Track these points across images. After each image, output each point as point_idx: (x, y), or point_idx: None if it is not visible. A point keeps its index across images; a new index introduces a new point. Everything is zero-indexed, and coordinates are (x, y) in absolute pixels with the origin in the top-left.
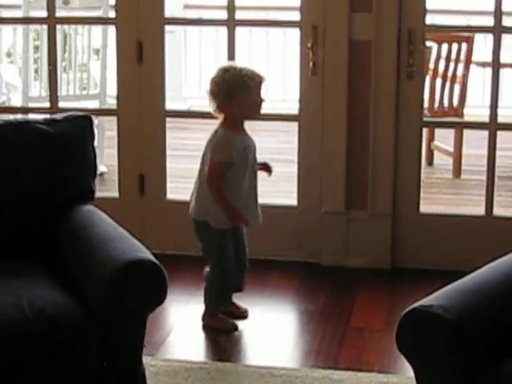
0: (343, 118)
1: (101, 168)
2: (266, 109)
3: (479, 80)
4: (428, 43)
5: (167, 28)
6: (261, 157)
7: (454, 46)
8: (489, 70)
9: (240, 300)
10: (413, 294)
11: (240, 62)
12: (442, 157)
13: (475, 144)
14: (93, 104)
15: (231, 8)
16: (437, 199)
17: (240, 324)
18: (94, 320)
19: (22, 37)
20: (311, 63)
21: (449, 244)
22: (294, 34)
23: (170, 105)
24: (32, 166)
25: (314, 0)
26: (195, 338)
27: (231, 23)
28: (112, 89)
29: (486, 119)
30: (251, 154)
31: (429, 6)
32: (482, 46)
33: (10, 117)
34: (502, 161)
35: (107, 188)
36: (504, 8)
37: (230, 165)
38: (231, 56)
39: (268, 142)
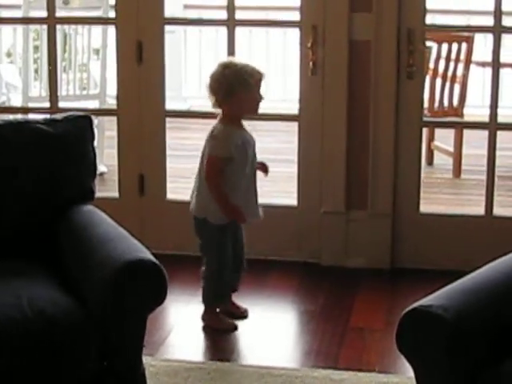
0: (343, 117)
1: (101, 168)
2: (266, 109)
3: (479, 80)
4: (428, 43)
5: (167, 28)
6: (261, 157)
7: (454, 46)
8: (489, 70)
9: (240, 300)
10: (412, 293)
11: (240, 58)
12: (441, 157)
13: (475, 144)
14: (93, 104)
15: (231, 8)
16: (437, 199)
17: (240, 324)
18: (94, 320)
19: (22, 37)
20: (311, 63)
21: (449, 244)
22: (294, 34)
23: (169, 105)
24: (32, 166)
25: (313, 0)
26: (195, 338)
27: (231, 23)
28: (112, 89)
29: (486, 119)
30: (250, 150)
31: (429, 5)
32: (482, 45)
33: (10, 117)
34: (501, 161)
35: (107, 188)
36: (504, 8)
37: (228, 160)
38: (231, 56)
39: (268, 142)
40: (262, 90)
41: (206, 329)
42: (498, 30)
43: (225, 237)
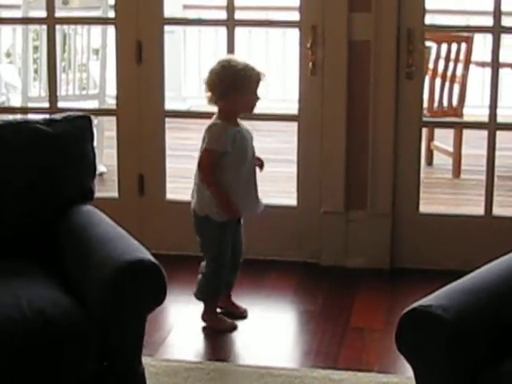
0: (343, 118)
1: (100, 168)
2: (265, 109)
3: (478, 80)
4: (427, 43)
5: (167, 28)
6: (260, 157)
7: (454, 46)
8: (488, 70)
9: (239, 300)
10: (412, 293)
11: (241, 56)
12: (441, 157)
13: (475, 144)
14: (92, 104)
15: (231, 8)
16: (436, 199)
17: (239, 324)
18: (93, 320)
19: (22, 37)
20: (310, 63)
21: (448, 244)
22: (294, 34)
23: (169, 105)
24: (31, 166)
25: (313, 0)
26: (194, 338)
27: (231, 23)
28: (111, 89)
29: (486, 119)
30: (248, 145)
31: (428, 5)
32: (482, 45)
33: (10, 117)
34: (501, 161)
35: (107, 188)
36: (503, 8)
37: (222, 155)
38: None
39: (267, 142)
40: (261, 91)
41: (205, 329)
42: (497, 30)
43: (225, 234)
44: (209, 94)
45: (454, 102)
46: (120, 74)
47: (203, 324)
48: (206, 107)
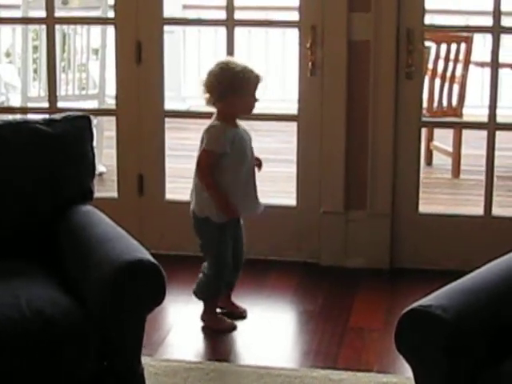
0: (342, 118)
1: (100, 168)
2: (265, 109)
3: (478, 80)
4: (427, 43)
5: (166, 28)
6: (260, 157)
7: (453, 46)
8: (488, 70)
9: (239, 300)
10: (412, 293)
11: (240, 58)
12: (440, 157)
13: (474, 144)
14: (92, 104)
15: (230, 8)
16: (436, 199)
17: (239, 324)
18: (93, 320)
19: (21, 37)
20: (310, 63)
21: (448, 244)
22: (293, 34)
23: (168, 105)
24: (31, 166)
25: (312, 0)
26: (194, 338)
27: (230, 23)
28: (111, 89)
29: (485, 119)
30: (247, 146)
31: (427, 5)
32: (481, 46)
33: (9, 117)
34: (500, 161)
35: (106, 188)
36: (503, 8)
37: (221, 156)
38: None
39: (267, 142)
40: (259, 92)
41: (205, 329)
42: (496, 31)
43: (224, 235)
44: (207, 95)
45: (454, 102)
46: (119, 73)
47: (202, 324)
48: (205, 107)
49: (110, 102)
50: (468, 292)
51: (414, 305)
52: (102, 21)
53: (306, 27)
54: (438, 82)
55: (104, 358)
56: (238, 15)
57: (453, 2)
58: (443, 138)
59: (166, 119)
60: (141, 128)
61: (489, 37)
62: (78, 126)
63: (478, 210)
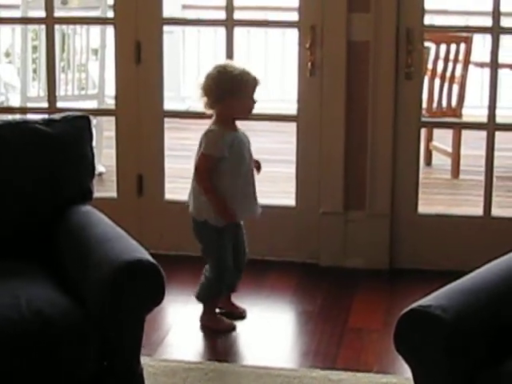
0: (341, 118)
1: (99, 168)
2: (264, 109)
3: (477, 80)
4: (426, 43)
5: (165, 28)
6: (259, 157)
7: (453, 47)
8: (487, 71)
9: (238, 300)
10: (411, 294)
11: (238, 61)
12: (440, 157)
13: (473, 144)
14: (91, 104)
15: (230, 8)
16: (435, 200)
17: (238, 324)
18: (92, 320)
19: (21, 37)
20: (309, 64)
21: (447, 244)
22: (293, 34)
23: (168, 105)
24: (30, 166)
25: (312, 0)
26: (193, 338)
27: (230, 23)
28: (110, 89)
29: (485, 119)
30: (245, 149)
31: (427, 6)
32: (481, 46)
33: (9, 117)
34: (500, 161)
35: (105, 188)
36: (502, 8)
37: (219, 160)
38: (230, 56)
39: (266, 143)
40: (259, 92)
41: (204, 329)
42: (496, 31)
43: (223, 239)
44: (204, 98)
45: (453, 102)
46: (119, 74)
47: (201, 324)
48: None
49: (110, 102)
50: (467, 292)
51: (414, 305)
52: (102, 21)
53: (305, 27)
54: (437, 82)
55: (103, 358)
56: (238, 15)
57: (452, 2)
58: (442, 139)
59: (166, 119)
60: (140, 128)
61: (488, 37)
62: (78, 126)
63: (478, 210)
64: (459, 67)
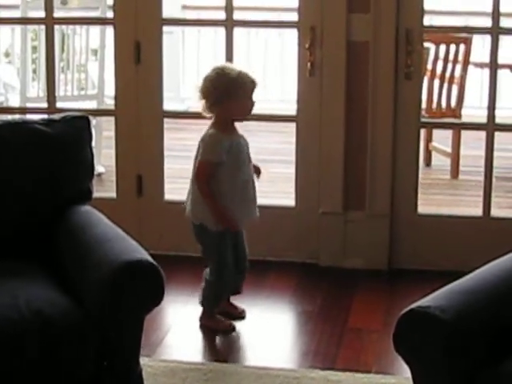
0: (341, 118)
1: (98, 168)
2: (263, 109)
3: (477, 81)
4: (426, 44)
5: (165, 29)
6: (258, 157)
7: (452, 47)
8: (487, 71)
9: (238, 300)
10: (410, 294)
11: (236, 63)
12: (439, 157)
13: (473, 145)
14: (91, 104)
15: (229, 9)
16: (435, 200)
17: (237, 324)
18: (91, 320)
19: (20, 37)
20: (309, 64)
21: (447, 245)
22: (292, 34)
23: (167, 105)
24: (30, 167)
25: (311, 1)
26: (193, 338)
27: (229, 24)
28: (110, 89)
29: (484, 120)
30: (244, 153)
31: (427, 6)
32: (480, 47)
33: (8, 117)
34: (499, 162)
35: (105, 188)
36: (502, 9)
37: (218, 165)
38: (229, 56)
39: (266, 143)
40: (258, 92)
41: (203, 329)
42: (495, 32)
43: (224, 242)
44: (203, 101)
45: (453, 102)
46: (118, 74)
47: (201, 324)
48: None
49: (109, 103)
50: (467, 293)
51: (413, 305)
52: (101, 21)
53: (305, 28)
54: (436, 82)
55: (103, 359)
56: (237, 16)
57: (452, 2)
58: (442, 139)
59: (165, 120)
60: (140, 128)
61: (488, 38)
62: (77, 127)
63: (477, 210)
64: (459, 68)
